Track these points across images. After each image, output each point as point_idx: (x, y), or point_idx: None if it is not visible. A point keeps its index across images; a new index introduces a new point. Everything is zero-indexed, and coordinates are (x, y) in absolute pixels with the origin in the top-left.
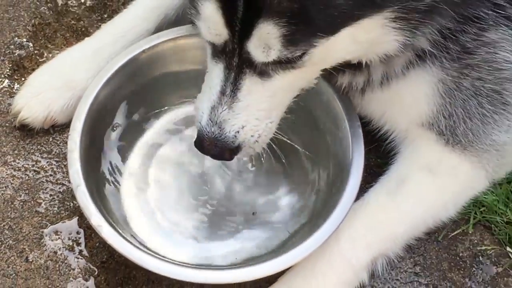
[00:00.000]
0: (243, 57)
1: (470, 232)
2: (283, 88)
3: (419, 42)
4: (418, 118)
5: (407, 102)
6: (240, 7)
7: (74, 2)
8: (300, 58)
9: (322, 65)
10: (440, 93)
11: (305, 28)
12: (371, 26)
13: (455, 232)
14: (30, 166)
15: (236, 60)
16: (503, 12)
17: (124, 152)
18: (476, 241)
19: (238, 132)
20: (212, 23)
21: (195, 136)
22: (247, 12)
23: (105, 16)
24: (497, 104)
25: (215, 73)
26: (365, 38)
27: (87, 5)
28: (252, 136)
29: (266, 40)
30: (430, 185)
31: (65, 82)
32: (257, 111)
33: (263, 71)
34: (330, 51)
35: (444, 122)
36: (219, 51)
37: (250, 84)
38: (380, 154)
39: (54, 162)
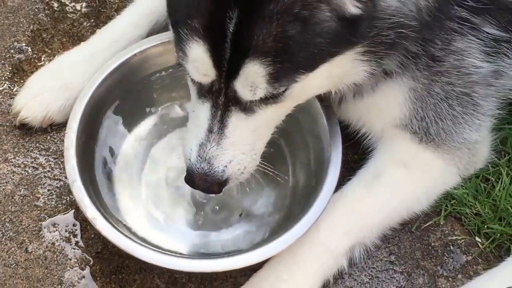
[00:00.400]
0: (229, 96)
1: (441, 223)
2: (265, 122)
3: (387, 65)
4: (392, 121)
5: (381, 108)
6: (228, 48)
7: (70, 9)
8: (283, 94)
9: (299, 100)
10: (411, 99)
11: (288, 65)
12: (343, 61)
13: (428, 223)
14: (29, 162)
15: (222, 99)
16: (468, 24)
17: (117, 148)
18: (447, 231)
19: (226, 166)
20: (200, 65)
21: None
22: (234, 53)
23: (99, 22)
24: (467, 106)
25: (202, 112)
26: (338, 73)
27: (83, 12)
28: (238, 169)
29: (253, 79)
30: (405, 179)
31: (62, 84)
32: (243, 145)
33: (247, 107)
34: (308, 86)
35: (417, 124)
36: (205, 91)
37: (236, 120)
38: (357, 150)
39: (51, 159)
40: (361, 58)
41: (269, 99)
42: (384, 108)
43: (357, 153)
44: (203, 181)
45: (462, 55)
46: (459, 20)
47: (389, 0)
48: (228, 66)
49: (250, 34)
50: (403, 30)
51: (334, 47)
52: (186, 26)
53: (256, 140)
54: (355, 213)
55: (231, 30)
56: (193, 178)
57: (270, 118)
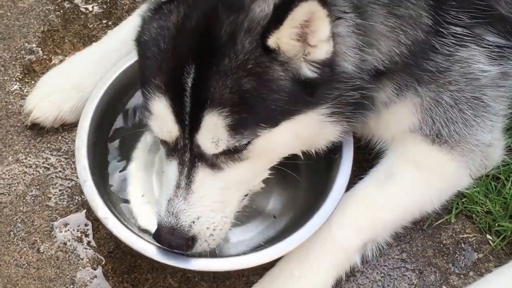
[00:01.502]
0: (194, 152)
1: (453, 221)
2: (234, 181)
3: (382, 97)
4: (402, 130)
5: (390, 123)
6: (188, 102)
7: (81, 10)
8: (246, 147)
9: (268, 158)
10: (419, 112)
11: (247, 117)
12: (308, 122)
13: (439, 221)
14: (41, 163)
15: (188, 156)
16: (469, 36)
17: (128, 148)
18: (458, 229)
19: (193, 222)
20: (163, 121)
21: None
22: (194, 106)
23: (110, 23)
24: (478, 108)
25: (171, 170)
26: (306, 133)
27: (94, 13)
28: (207, 228)
29: (213, 131)
30: (417, 179)
31: (74, 85)
32: (212, 202)
33: (214, 163)
34: (273, 143)
35: (427, 129)
36: (171, 149)
37: (203, 176)
38: (369, 149)
39: (63, 159)
40: (329, 119)
41: (234, 153)
42: (393, 122)
43: (369, 152)
44: (169, 235)
45: (468, 62)
46: (456, 36)
47: (343, 65)
48: (189, 120)
49: (207, 87)
50: (364, 92)
51: (293, 105)
52: (150, 85)
53: (226, 199)
54: (367, 211)
55: (189, 85)
56: (160, 232)
57: (239, 176)
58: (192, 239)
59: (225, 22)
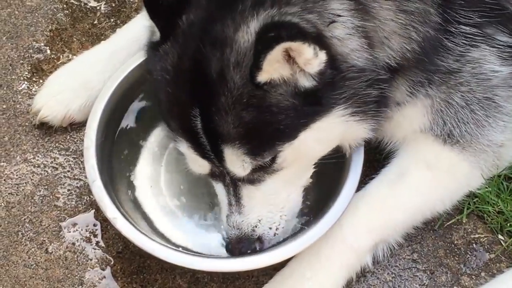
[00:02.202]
0: (231, 175)
1: (464, 221)
2: (278, 187)
3: (397, 96)
4: (412, 130)
5: (401, 125)
6: (205, 141)
7: (89, 8)
8: (274, 162)
9: (303, 162)
10: (430, 113)
11: (260, 142)
12: (329, 126)
13: (450, 221)
14: (49, 162)
15: (228, 178)
16: (479, 36)
17: (135, 149)
18: (470, 229)
19: (256, 226)
20: (192, 159)
21: None
22: (211, 143)
23: (119, 21)
24: (490, 109)
25: (219, 191)
26: (331, 136)
27: (102, 11)
28: (270, 228)
29: (236, 159)
30: (429, 180)
31: (82, 83)
32: (266, 207)
33: (251, 179)
34: (301, 151)
35: (438, 129)
36: (212, 175)
37: (247, 192)
38: (380, 150)
39: (71, 159)
40: (352, 118)
41: (265, 168)
42: (404, 123)
43: (379, 152)
44: (238, 244)
45: (479, 63)
46: (467, 36)
47: (349, 63)
48: (213, 155)
49: (214, 127)
50: (381, 87)
51: (302, 118)
52: (170, 127)
53: (279, 201)
54: (378, 212)
55: (199, 127)
56: (229, 245)
57: (282, 183)
58: (259, 240)
59: (212, 60)
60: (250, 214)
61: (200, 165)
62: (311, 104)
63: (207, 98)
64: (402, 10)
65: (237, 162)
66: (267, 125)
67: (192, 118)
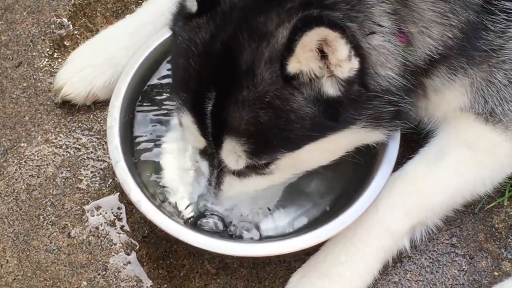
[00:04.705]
0: (220, 162)
1: (505, 204)
2: (263, 185)
3: (436, 84)
4: (454, 108)
5: (440, 105)
6: (209, 124)
7: None
8: (266, 166)
9: (297, 170)
10: (472, 92)
11: (264, 146)
12: (337, 140)
13: (491, 204)
14: (72, 143)
15: (216, 161)
16: None
17: (161, 126)
18: (511, 213)
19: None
20: (191, 133)
21: None
22: (215, 128)
23: None
24: None
25: (203, 168)
26: (336, 148)
27: None
28: (241, 215)
29: (232, 153)
30: (469, 160)
31: (106, 59)
32: (243, 197)
33: (239, 172)
34: (300, 161)
35: (480, 107)
36: (202, 151)
37: (230, 180)
38: (418, 130)
39: (95, 139)
40: (364, 130)
41: (256, 168)
42: (443, 103)
43: (417, 133)
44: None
45: None
46: (508, 12)
47: (379, 80)
48: (212, 139)
49: (225, 115)
50: (401, 103)
51: (315, 131)
52: (179, 97)
53: (257, 195)
54: (416, 192)
55: (209, 109)
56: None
57: (268, 182)
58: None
59: (246, 50)
60: (225, 201)
61: (197, 141)
62: (329, 118)
63: (229, 86)
64: None
65: (233, 156)
66: (280, 131)
67: (206, 99)
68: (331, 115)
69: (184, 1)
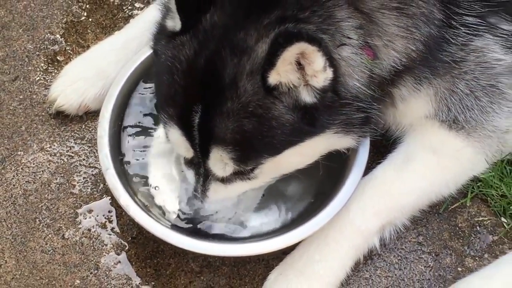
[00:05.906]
0: (207, 169)
1: (468, 204)
2: (245, 189)
3: (403, 93)
4: (419, 116)
5: (406, 114)
6: (197, 135)
7: (103, 0)
8: (252, 171)
9: (277, 174)
10: (436, 100)
11: (250, 152)
12: (314, 144)
13: (455, 205)
14: (65, 151)
15: (202, 170)
16: (482, 25)
17: (150, 133)
18: (473, 212)
19: (212, 215)
20: (178, 146)
21: None
22: (202, 139)
23: (133, 14)
24: (494, 96)
25: (189, 177)
26: (312, 152)
27: (116, 3)
28: (223, 217)
29: (220, 161)
30: (434, 164)
31: (97, 72)
32: (224, 204)
33: (224, 179)
34: (280, 165)
35: (444, 115)
36: (189, 161)
37: (215, 187)
38: (386, 136)
39: (86, 148)
40: (337, 135)
41: (241, 174)
42: (409, 112)
43: (386, 139)
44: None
45: (483, 52)
46: (469, 26)
47: (349, 86)
48: (200, 149)
49: (211, 126)
50: (369, 113)
51: (294, 136)
52: (165, 112)
53: (240, 199)
54: (385, 195)
55: (196, 122)
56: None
57: (250, 186)
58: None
59: (229, 65)
60: (210, 206)
61: (184, 152)
62: (306, 123)
63: (214, 98)
64: (404, 14)
65: (221, 164)
66: (263, 137)
67: (192, 112)
68: (309, 120)
69: (164, 22)
